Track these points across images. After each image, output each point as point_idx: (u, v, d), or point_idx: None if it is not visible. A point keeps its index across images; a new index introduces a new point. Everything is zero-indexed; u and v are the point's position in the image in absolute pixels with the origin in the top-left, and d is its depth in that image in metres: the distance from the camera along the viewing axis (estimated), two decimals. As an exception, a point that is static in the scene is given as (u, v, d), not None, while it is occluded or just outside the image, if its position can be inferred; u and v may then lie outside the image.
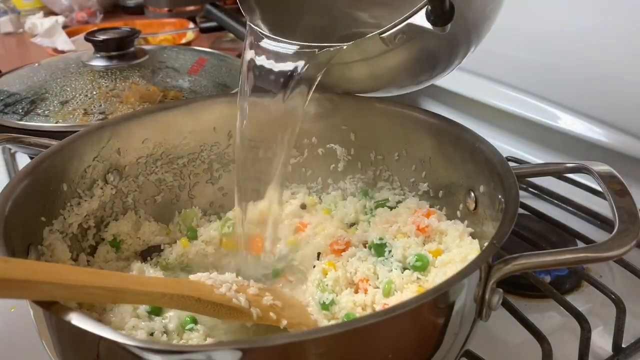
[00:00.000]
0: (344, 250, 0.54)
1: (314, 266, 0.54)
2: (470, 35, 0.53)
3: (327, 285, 0.50)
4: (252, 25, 0.54)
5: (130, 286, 0.37)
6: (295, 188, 0.65)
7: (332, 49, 0.50)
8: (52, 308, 0.33)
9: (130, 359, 0.30)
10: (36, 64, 0.85)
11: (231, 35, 1.34)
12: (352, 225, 0.60)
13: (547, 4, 0.80)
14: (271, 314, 0.44)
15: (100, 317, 0.45)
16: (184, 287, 0.41)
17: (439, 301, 0.36)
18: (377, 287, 0.50)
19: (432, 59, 0.54)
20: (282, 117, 0.52)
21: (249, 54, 0.54)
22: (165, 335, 0.44)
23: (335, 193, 0.64)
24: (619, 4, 0.71)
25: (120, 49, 0.81)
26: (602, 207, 0.70)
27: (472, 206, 0.52)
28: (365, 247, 0.55)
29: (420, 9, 0.47)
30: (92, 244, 0.55)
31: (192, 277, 0.44)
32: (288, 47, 0.52)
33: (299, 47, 0.52)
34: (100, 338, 0.31)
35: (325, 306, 0.48)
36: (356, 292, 0.50)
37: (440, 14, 0.45)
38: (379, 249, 0.53)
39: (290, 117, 0.52)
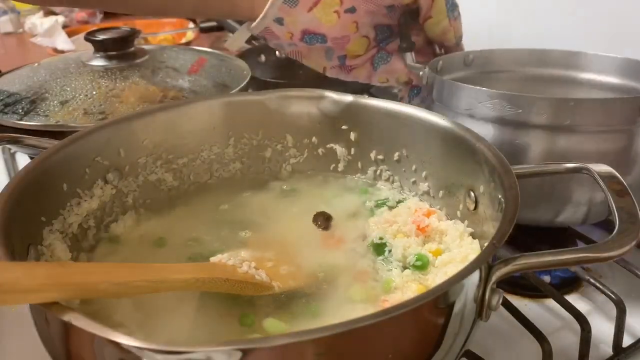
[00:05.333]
0: (342, 242, 0.55)
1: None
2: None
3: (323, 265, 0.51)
4: None
5: (170, 275, 0.40)
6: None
7: None
8: (52, 308, 0.33)
9: (129, 358, 0.30)
10: (36, 64, 0.85)
11: (231, 35, 1.34)
12: (352, 216, 0.59)
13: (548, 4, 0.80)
14: (290, 281, 0.47)
15: (97, 313, 0.45)
16: (213, 270, 0.44)
17: (439, 301, 0.36)
18: (377, 281, 0.50)
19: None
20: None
21: None
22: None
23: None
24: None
25: (120, 49, 0.81)
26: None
27: (472, 206, 0.52)
28: (363, 241, 0.55)
29: None
30: (92, 244, 0.55)
31: (212, 259, 0.47)
32: None
33: None
34: (100, 338, 0.31)
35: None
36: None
37: None
38: (379, 248, 0.53)
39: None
